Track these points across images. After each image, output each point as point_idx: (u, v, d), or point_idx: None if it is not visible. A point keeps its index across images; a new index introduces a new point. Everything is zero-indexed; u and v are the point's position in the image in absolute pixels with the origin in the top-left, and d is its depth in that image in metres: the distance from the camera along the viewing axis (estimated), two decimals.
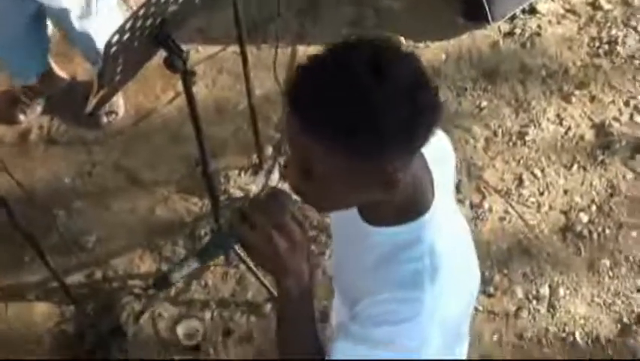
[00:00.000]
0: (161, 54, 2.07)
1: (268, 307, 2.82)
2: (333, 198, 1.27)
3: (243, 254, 2.84)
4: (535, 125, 3.27)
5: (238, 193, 3.09)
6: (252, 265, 2.82)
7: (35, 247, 2.33)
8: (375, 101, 1.11)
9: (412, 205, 1.30)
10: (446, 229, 1.33)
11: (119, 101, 3.31)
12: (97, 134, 3.29)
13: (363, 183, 1.21)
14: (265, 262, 1.30)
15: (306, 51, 3.49)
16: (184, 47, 2.06)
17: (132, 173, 3.18)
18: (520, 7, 3.59)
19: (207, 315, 2.81)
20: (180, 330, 2.75)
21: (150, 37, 1.99)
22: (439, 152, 1.39)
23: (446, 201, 1.38)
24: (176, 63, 2.02)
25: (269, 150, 3.20)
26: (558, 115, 3.30)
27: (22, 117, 3.30)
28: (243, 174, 3.15)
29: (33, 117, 3.32)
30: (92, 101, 3.21)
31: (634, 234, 2.98)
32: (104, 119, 3.29)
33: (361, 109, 1.11)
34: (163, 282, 1.32)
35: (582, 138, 3.24)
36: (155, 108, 3.36)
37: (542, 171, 3.15)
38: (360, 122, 1.11)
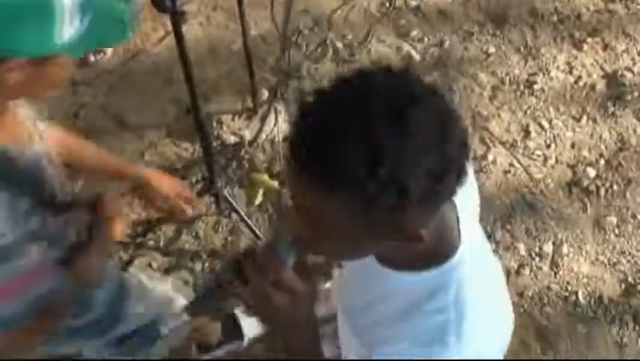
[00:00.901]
0: None
1: None
2: (346, 251, 1.14)
3: (234, 203, 2.73)
4: (544, 74, 3.12)
5: (231, 139, 2.95)
6: (244, 215, 2.71)
7: None
8: (397, 154, 0.94)
9: (438, 249, 1.17)
10: (475, 271, 1.20)
11: None
12: (84, 74, 3.13)
13: (383, 238, 1.05)
14: (266, 320, 1.20)
15: None
16: None
17: (120, 115, 3.04)
18: None
19: (198, 266, 2.70)
20: (169, 282, 2.65)
21: None
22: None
23: (472, 236, 1.24)
24: (165, 3, 1.85)
25: (264, 94, 3.05)
26: (568, 63, 3.15)
27: None
28: (236, 119, 3.01)
29: None
30: None
31: None
32: (92, 58, 3.13)
33: (381, 163, 0.93)
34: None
35: (593, 88, 3.09)
36: (144, 48, 3.19)
37: (550, 122, 3.01)
38: (379, 179, 0.94)
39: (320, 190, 0.97)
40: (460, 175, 1.00)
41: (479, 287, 1.20)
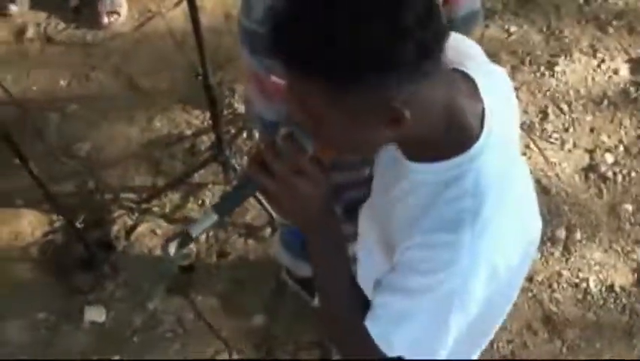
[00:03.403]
0: None
1: (267, 231, 2.67)
2: (342, 139, 1.12)
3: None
4: (566, 56, 3.03)
5: (243, 108, 2.90)
6: None
7: (16, 152, 2.16)
8: (342, 18, 0.97)
9: (454, 138, 1.15)
10: (497, 165, 1.17)
11: (121, 1, 3.09)
12: (97, 36, 3.09)
13: (365, 122, 1.07)
14: (289, 210, 1.18)
15: None
16: None
17: (132, 79, 3.00)
18: None
19: (202, 235, 2.67)
20: (173, 249, 2.61)
21: None
22: (493, 79, 1.25)
23: (504, 137, 1.22)
24: None
25: None
26: (592, 46, 3.06)
27: (13, 8, 3.09)
28: None
29: (24, 9, 3.11)
30: None
31: None
32: (105, 20, 3.08)
33: (326, 30, 0.97)
34: (185, 239, 1.31)
35: (616, 72, 3.00)
36: (159, 11, 3.14)
37: (569, 105, 2.93)
38: (333, 49, 0.97)
39: (293, 76, 1.04)
40: (421, 49, 0.99)
41: (501, 183, 1.18)
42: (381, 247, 1.42)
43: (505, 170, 1.21)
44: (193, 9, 2.10)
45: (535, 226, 1.40)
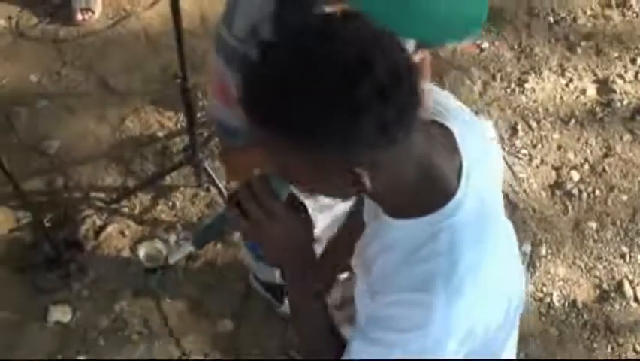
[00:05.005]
0: None
1: (237, 235, 2.66)
2: (309, 187, 1.17)
3: (214, 176, 2.67)
4: (536, 74, 3.10)
5: None
6: (223, 189, 2.66)
7: None
8: (301, 85, 0.97)
9: (430, 195, 1.14)
10: (475, 222, 1.15)
11: None
12: (70, 32, 3.06)
13: (328, 179, 1.08)
14: (263, 250, 1.23)
15: None
16: None
17: (104, 78, 2.97)
18: None
19: (172, 237, 2.64)
20: (142, 251, 2.59)
21: None
22: (474, 130, 1.24)
23: (483, 190, 1.20)
24: None
25: None
26: (561, 65, 3.13)
27: None
28: None
29: None
30: None
31: (624, 198, 2.86)
32: (79, 17, 3.05)
33: (285, 94, 0.98)
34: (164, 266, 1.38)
35: (583, 92, 3.07)
36: (135, 11, 3.12)
37: (538, 122, 2.99)
38: (284, 110, 0.99)
39: (255, 133, 1.04)
40: (378, 126, 0.98)
41: (479, 240, 1.16)
42: (364, 284, 1.41)
43: (482, 228, 1.18)
44: (176, 13, 2.09)
45: (516, 282, 1.35)
